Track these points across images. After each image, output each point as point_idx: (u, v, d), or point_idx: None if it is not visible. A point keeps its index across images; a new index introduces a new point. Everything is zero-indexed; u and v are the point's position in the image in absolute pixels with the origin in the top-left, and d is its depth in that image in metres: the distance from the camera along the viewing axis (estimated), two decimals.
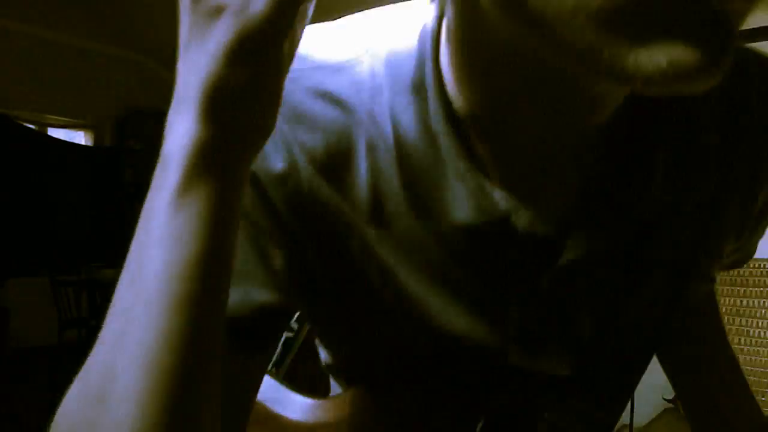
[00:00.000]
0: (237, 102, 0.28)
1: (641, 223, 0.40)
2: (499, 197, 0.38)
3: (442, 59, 0.37)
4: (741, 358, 1.77)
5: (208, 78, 0.27)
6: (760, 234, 0.47)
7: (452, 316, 0.41)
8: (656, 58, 0.24)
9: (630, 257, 0.41)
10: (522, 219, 0.38)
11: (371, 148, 0.39)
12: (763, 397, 1.73)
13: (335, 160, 0.39)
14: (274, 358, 0.81)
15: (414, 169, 0.38)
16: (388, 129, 0.38)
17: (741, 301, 1.82)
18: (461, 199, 0.38)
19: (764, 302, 1.83)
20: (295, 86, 0.39)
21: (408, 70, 0.38)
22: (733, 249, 0.46)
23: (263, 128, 0.30)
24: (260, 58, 0.27)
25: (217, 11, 0.27)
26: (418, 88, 0.38)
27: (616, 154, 0.39)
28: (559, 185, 0.39)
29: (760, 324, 1.82)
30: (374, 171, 0.39)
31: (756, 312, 1.83)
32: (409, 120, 0.38)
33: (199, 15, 0.27)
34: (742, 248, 0.47)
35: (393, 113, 0.38)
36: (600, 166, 0.39)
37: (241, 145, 0.29)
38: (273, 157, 0.39)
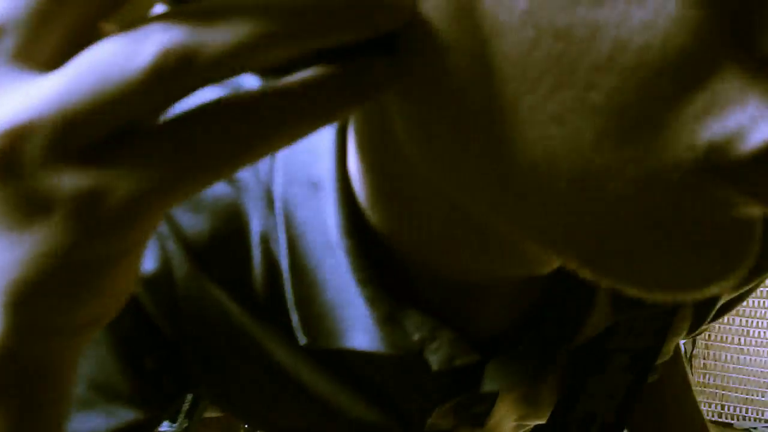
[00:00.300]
0: (56, 302, 0.18)
1: (584, 343, 0.35)
2: (412, 327, 0.32)
3: (350, 159, 0.30)
4: (741, 358, 1.78)
5: (14, 283, 0.17)
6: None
7: (363, 410, 0.36)
8: (687, 269, 0.18)
9: (574, 368, 0.36)
10: (439, 353, 0.32)
11: (265, 239, 0.32)
12: (763, 396, 1.73)
13: (222, 250, 0.32)
14: None
15: (307, 279, 0.31)
16: (282, 223, 0.32)
17: None
18: (365, 327, 0.32)
19: (764, 302, 1.83)
20: None
21: (305, 158, 0.31)
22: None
23: (99, 318, 0.20)
24: (99, 269, 0.17)
25: (43, 207, 0.16)
26: (316, 185, 0.31)
27: (556, 276, 0.32)
28: (484, 306, 0.33)
29: (760, 324, 1.82)
30: (268, 264, 0.32)
31: (756, 312, 1.83)
32: (304, 220, 0.31)
33: (12, 203, 0.16)
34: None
35: (286, 206, 0.31)
36: (536, 288, 0.34)
37: (59, 343, 0.20)
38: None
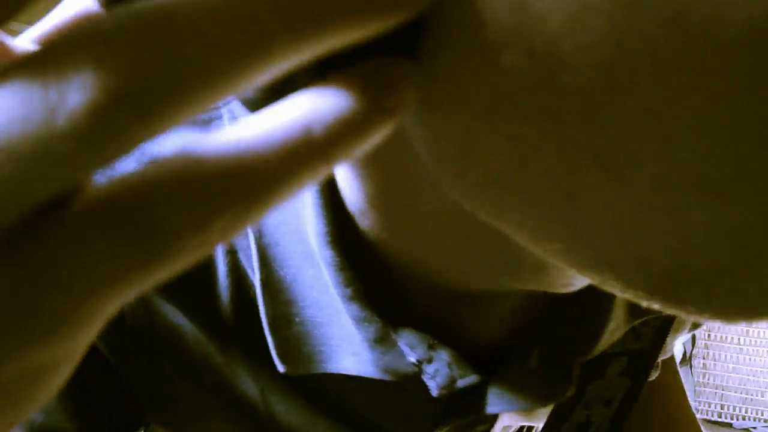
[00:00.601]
0: None
1: (591, 359, 0.32)
2: (407, 347, 0.28)
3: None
4: (741, 357, 1.78)
5: None
6: None
7: None
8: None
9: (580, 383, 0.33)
10: (439, 377, 0.28)
11: (231, 250, 0.28)
12: (762, 396, 1.73)
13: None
14: None
15: (283, 296, 0.27)
16: (251, 230, 0.27)
17: None
18: (352, 349, 0.28)
19: None
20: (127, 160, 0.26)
21: None
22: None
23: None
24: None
25: None
26: None
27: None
28: (485, 317, 0.30)
29: (759, 324, 1.81)
30: (235, 276, 0.28)
31: None
32: (277, 227, 0.27)
33: None
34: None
35: None
36: (544, 296, 0.30)
37: None
38: None
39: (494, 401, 0.30)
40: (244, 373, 0.30)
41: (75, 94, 0.10)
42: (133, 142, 0.11)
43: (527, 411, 0.32)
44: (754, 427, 1.69)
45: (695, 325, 0.39)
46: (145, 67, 0.10)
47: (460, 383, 0.29)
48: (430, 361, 0.28)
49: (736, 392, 1.74)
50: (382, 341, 0.27)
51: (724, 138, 0.12)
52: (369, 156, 0.22)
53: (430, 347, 0.28)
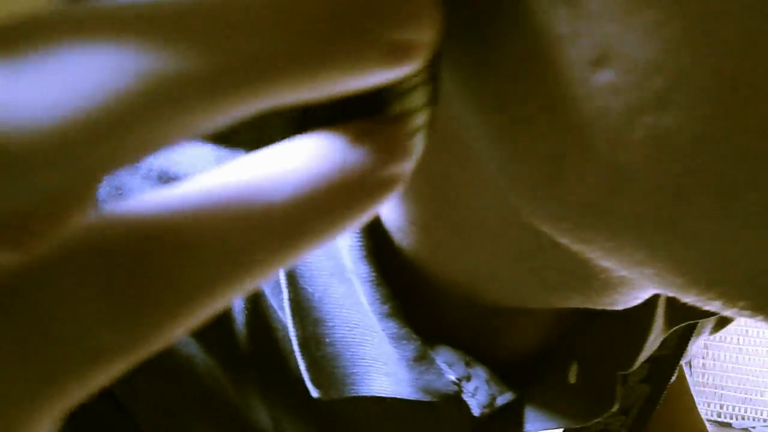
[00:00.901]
0: None
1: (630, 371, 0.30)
2: (445, 365, 0.26)
3: None
4: (740, 357, 1.77)
5: None
6: None
7: None
8: None
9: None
10: (479, 395, 0.27)
11: None
12: (761, 396, 1.73)
13: None
14: None
15: (311, 315, 0.26)
16: None
17: None
18: (386, 369, 0.26)
19: None
20: (132, 174, 0.26)
21: None
22: None
23: None
24: None
25: None
26: None
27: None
28: (520, 331, 0.29)
29: (758, 323, 1.81)
30: (252, 297, 0.27)
31: None
32: None
33: None
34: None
35: None
36: (573, 311, 0.29)
37: None
38: None
39: (532, 419, 0.28)
40: (257, 403, 0.28)
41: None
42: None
43: (567, 427, 0.30)
44: (753, 427, 1.69)
45: (718, 327, 0.38)
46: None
47: (500, 401, 0.27)
48: (468, 379, 0.27)
49: (735, 392, 1.74)
50: (421, 360, 0.26)
51: None
52: (417, 173, 0.20)
53: (467, 365, 0.27)
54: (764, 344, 1.75)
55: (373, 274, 0.25)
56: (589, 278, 0.21)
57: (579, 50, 0.12)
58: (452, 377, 0.27)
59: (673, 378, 0.43)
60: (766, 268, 0.13)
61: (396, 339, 0.25)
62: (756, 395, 1.71)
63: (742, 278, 0.14)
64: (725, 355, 1.75)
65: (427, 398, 0.26)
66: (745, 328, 1.75)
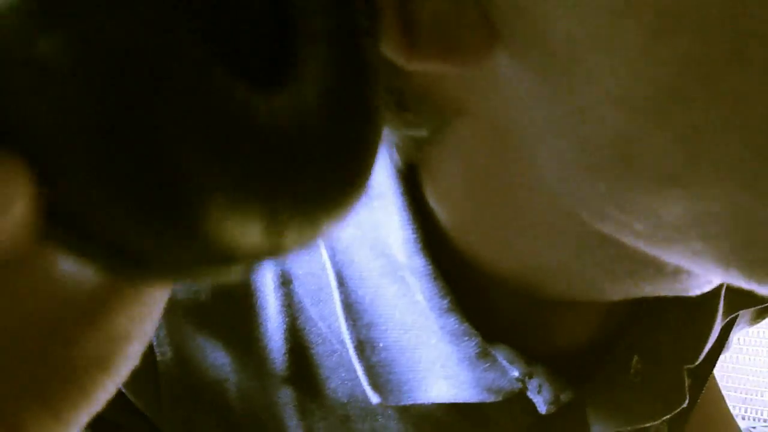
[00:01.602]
0: None
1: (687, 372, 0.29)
2: (507, 360, 0.25)
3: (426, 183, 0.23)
4: (741, 357, 1.77)
5: None
6: None
7: None
8: None
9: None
10: (545, 391, 0.26)
11: (285, 278, 0.26)
12: (762, 396, 1.73)
13: (221, 305, 0.26)
14: None
15: (363, 319, 0.25)
16: (319, 252, 0.25)
17: None
18: (445, 372, 0.25)
19: None
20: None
21: None
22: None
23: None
24: None
25: None
26: (370, 191, 0.22)
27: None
28: (574, 327, 0.28)
29: (759, 324, 1.81)
30: (291, 312, 0.26)
31: None
32: (351, 241, 0.24)
33: None
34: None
35: None
36: (630, 302, 0.27)
37: None
38: None
39: (598, 418, 0.27)
40: (293, 427, 0.27)
41: None
42: None
43: (636, 426, 0.28)
44: (754, 427, 1.69)
45: (756, 318, 0.37)
46: None
47: (563, 397, 0.26)
48: (531, 376, 0.26)
49: (736, 392, 1.73)
50: (483, 357, 0.25)
51: None
52: (469, 171, 0.20)
53: (527, 363, 0.26)
54: (764, 344, 1.75)
55: (430, 266, 0.24)
56: (660, 266, 0.21)
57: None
58: (516, 374, 0.25)
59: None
60: None
61: (456, 336, 0.24)
62: (756, 395, 1.71)
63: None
64: (725, 355, 1.75)
65: (491, 398, 0.25)
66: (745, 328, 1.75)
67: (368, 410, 0.27)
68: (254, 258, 0.13)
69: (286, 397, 0.27)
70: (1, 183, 0.10)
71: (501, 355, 0.25)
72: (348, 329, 0.25)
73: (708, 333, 0.28)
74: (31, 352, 0.13)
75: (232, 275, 0.13)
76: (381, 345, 0.25)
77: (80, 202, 0.11)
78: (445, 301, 0.24)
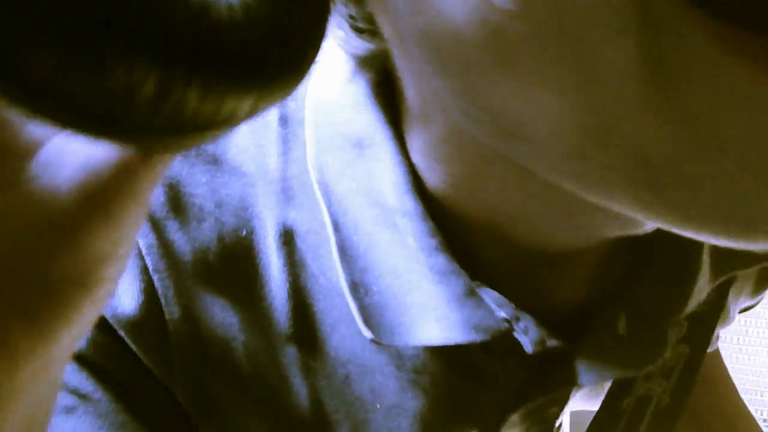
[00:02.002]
0: None
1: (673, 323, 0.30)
2: (495, 303, 0.27)
3: (402, 113, 0.25)
4: (740, 357, 1.77)
5: None
6: None
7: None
8: None
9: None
10: (530, 333, 0.27)
11: (287, 236, 0.27)
12: (762, 396, 1.73)
13: (227, 266, 0.27)
14: None
15: (358, 264, 0.26)
16: (314, 201, 0.26)
17: None
18: (436, 315, 0.26)
19: (763, 302, 1.82)
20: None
21: (341, 116, 0.25)
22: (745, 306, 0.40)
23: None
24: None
25: None
26: (360, 142, 0.25)
27: (652, 244, 0.28)
28: (562, 280, 0.29)
29: (758, 323, 1.82)
30: (294, 270, 0.27)
31: (755, 311, 1.82)
32: (346, 193, 0.26)
33: None
34: (754, 302, 0.41)
35: (322, 178, 0.25)
36: (624, 253, 0.29)
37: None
38: (122, 294, 0.26)
39: (585, 371, 0.28)
40: (297, 386, 0.28)
41: None
42: None
43: (621, 376, 0.30)
44: None
45: (757, 290, 0.37)
46: None
47: (550, 343, 0.28)
48: (518, 319, 0.27)
49: None
50: (471, 294, 0.26)
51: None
52: (437, 107, 0.21)
53: (515, 309, 0.27)
54: (764, 344, 1.75)
55: (420, 207, 0.25)
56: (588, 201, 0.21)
57: None
58: (503, 314, 0.27)
59: (715, 345, 0.42)
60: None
61: (445, 275, 0.25)
62: (756, 395, 1.71)
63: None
64: (725, 355, 1.75)
65: (479, 337, 0.26)
66: (745, 328, 1.75)
67: (367, 369, 0.28)
68: (199, 127, 0.14)
69: (290, 356, 0.28)
70: None
71: (489, 297, 0.27)
72: (343, 270, 0.26)
73: (690, 287, 0.29)
74: (15, 270, 0.14)
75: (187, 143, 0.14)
76: (374, 289, 0.26)
77: (20, 50, 0.11)
78: (434, 241, 0.25)
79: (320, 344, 0.27)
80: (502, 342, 0.27)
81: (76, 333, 0.15)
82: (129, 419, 0.27)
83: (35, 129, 0.14)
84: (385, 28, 0.21)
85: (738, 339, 1.75)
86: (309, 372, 0.28)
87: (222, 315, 0.27)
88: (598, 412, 0.35)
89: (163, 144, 0.14)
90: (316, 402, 0.28)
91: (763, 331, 1.75)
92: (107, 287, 0.15)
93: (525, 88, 0.14)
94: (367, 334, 0.26)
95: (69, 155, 0.14)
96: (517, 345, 0.27)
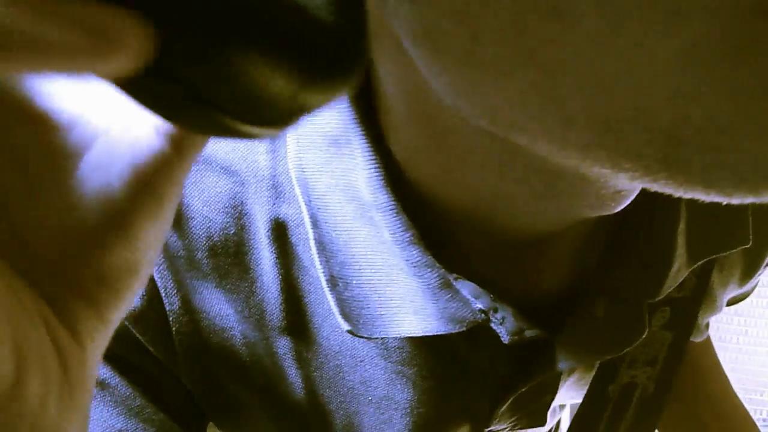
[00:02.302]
0: None
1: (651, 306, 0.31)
2: (471, 295, 0.27)
3: (379, 107, 0.25)
4: (740, 357, 1.77)
5: None
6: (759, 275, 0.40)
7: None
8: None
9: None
10: (507, 323, 0.28)
11: (279, 229, 0.28)
12: (761, 396, 1.73)
13: (218, 262, 0.28)
14: None
15: (337, 259, 0.27)
16: (296, 200, 0.27)
17: None
18: (414, 307, 0.27)
19: (763, 302, 1.83)
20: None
21: (320, 119, 0.26)
22: (734, 296, 0.40)
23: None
24: None
25: None
26: (337, 141, 0.26)
27: (627, 229, 0.29)
28: (542, 266, 0.30)
29: (758, 323, 1.82)
30: (286, 262, 0.28)
31: (754, 311, 1.83)
32: (325, 190, 0.26)
33: None
34: (744, 292, 0.41)
35: (302, 175, 0.26)
36: (600, 240, 0.30)
37: None
38: None
39: (564, 356, 0.29)
40: (292, 375, 0.29)
41: None
42: None
43: (600, 360, 0.30)
44: None
45: (744, 278, 0.37)
46: None
47: (528, 333, 0.28)
48: (495, 310, 0.28)
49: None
50: (445, 287, 0.27)
51: None
52: (415, 103, 0.22)
53: (493, 300, 0.28)
54: (764, 344, 1.75)
55: (393, 201, 0.25)
56: (571, 179, 0.22)
57: None
58: (479, 306, 0.27)
59: (704, 334, 0.42)
60: (648, 104, 0.13)
61: (419, 267, 0.26)
62: (756, 395, 1.71)
63: (629, 120, 0.14)
64: (725, 355, 1.75)
65: (456, 328, 0.26)
66: (744, 328, 1.75)
67: (357, 360, 0.28)
68: (285, 111, 0.15)
69: (284, 347, 0.29)
70: (120, 31, 0.11)
71: (466, 289, 0.27)
72: (321, 265, 0.26)
73: (666, 270, 0.29)
74: (80, 263, 0.15)
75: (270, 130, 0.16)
76: (354, 282, 0.26)
77: (183, 51, 0.13)
78: (408, 234, 0.26)
79: (312, 335, 0.28)
80: (482, 332, 0.28)
81: (125, 313, 0.17)
82: (146, 403, 0.29)
83: (82, 131, 0.15)
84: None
85: (738, 339, 1.75)
86: (303, 362, 0.29)
87: (219, 307, 0.28)
88: (584, 399, 0.36)
89: (245, 132, 0.15)
90: (311, 392, 0.29)
91: (763, 331, 1.75)
92: (149, 270, 0.17)
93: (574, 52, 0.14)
94: (345, 326, 0.27)
95: (116, 154, 0.15)
96: (497, 336, 0.28)
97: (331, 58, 0.15)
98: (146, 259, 0.16)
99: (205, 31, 0.13)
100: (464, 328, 0.27)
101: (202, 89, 0.14)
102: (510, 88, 0.15)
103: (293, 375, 0.29)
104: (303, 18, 0.14)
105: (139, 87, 0.13)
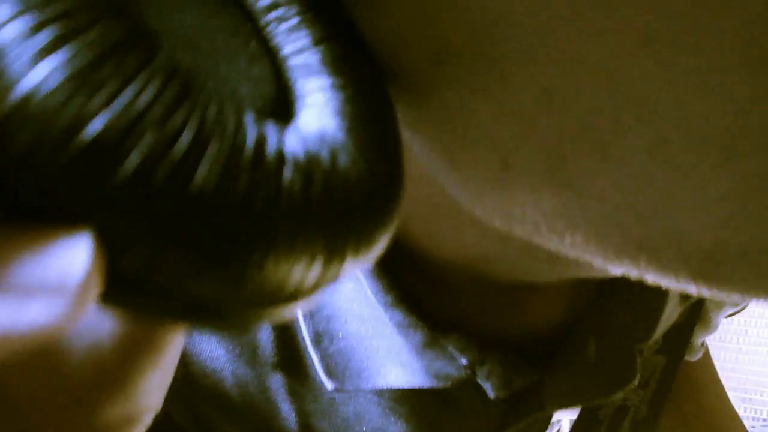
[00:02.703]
0: None
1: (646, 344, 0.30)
2: (457, 349, 0.27)
3: None
4: (740, 357, 1.77)
5: None
6: None
7: None
8: None
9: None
10: (494, 377, 0.27)
11: None
12: (761, 396, 1.73)
13: None
14: None
15: (323, 311, 0.27)
16: None
17: None
18: (400, 360, 0.27)
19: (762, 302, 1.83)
20: None
21: None
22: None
23: None
24: None
25: None
26: None
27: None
28: (532, 310, 0.30)
29: (758, 323, 1.82)
30: None
31: (754, 311, 1.83)
32: None
33: None
34: (742, 306, 0.40)
35: None
36: (593, 282, 0.29)
37: None
38: None
39: (554, 398, 0.29)
40: (285, 410, 0.29)
41: None
42: None
43: (589, 403, 0.30)
44: (753, 427, 1.69)
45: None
46: None
47: (519, 382, 0.28)
48: (483, 362, 0.27)
49: (735, 392, 1.73)
50: (430, 346, 0.26)
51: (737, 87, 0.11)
52: (408, 168, 0.21)
53: (482, 349, 0.27)
54: (764, 344, 1.75)
55: (372, 266, 0.25)
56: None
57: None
58: (464, 361, 0.27)
59: (700, 352, 0.42)
60: (684, 227, 0.13)
61: (404, 327, 0.26)
62: (756, 395, 1.71)
63: (662, 239, 0.13)
64: (725, 355, 1.75)
65: (441, 384, 0.26)
66: (745, 328, 1.75)
67: (351, 394, 0.28)
68: (314, 289, 0.13)
69: (277, 382, 0.29)
70: (70, 253, 0.09)
71: (451, 344, 0.27)
72: (305, 322, 0.26)
73: (659, 312, 0.29)
74: (70, 423, 0.13)
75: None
76: (341, 335, 0.26)
77: (151, 265, 0.10)
78: (389, 297, 0.26)
79: (305, 370, 0.28)
80: (465, 388, 0.27)
81: None
82: None
83: None
84: None
85: (738, 339, 1.75)
86: (296, 397, 0.28)
87: (210, 348, 0.28)
88: (575, 422, 0.35)
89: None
90: (306, 426, 0.29)
91: (763, 331, 1.75)
92: (154, 412, 0.15)
93: None
94: (329, 385, 0.27)
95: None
96: (483, 389, 0.28)
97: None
98: (148, 406, 0.14)
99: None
100: (449, 385, 0.26)
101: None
102: (537, 208, 0.14)
103: (287, 410, 0.29)
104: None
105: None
